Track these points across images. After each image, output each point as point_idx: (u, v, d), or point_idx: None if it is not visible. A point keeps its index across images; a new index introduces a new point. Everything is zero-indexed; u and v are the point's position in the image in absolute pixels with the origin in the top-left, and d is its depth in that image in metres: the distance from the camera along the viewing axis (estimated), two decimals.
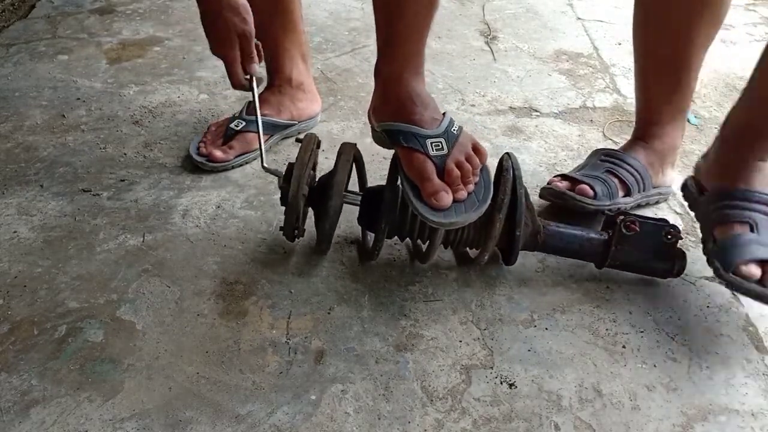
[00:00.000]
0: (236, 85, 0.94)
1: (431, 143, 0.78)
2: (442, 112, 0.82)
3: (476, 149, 0.80)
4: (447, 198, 0.76)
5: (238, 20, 0.89)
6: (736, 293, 0.76)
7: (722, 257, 0.76)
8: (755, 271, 0.74)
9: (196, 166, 1.05)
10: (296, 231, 0.83)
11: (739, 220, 0.78)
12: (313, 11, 1.62)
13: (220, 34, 0.90)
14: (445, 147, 0.78)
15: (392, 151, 0.84)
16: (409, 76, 0.81)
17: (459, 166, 0.78)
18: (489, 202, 0.78)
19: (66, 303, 0.81)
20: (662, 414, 0.71)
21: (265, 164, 0.89)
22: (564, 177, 0.98)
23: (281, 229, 0.84)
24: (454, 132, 0.80)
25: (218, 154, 1.04)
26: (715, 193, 0.83)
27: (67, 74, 1.31)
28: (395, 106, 0.81)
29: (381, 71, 0.83)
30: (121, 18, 1.55)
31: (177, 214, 0.96)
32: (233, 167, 1.06)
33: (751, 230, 0.77)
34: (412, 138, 0.79)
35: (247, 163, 1.07)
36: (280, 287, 0.85)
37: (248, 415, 0.69)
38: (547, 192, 0.97)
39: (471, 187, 0.78)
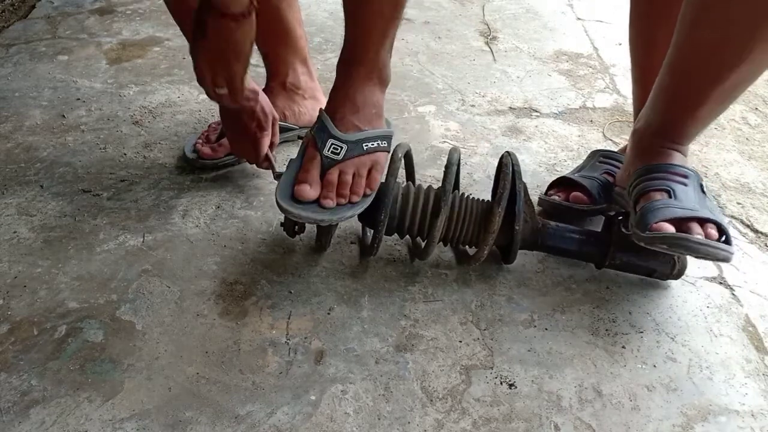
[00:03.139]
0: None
1: (331, 143, 0.79)
2: (387, 129, 0.83)
3: (370, 175, 0.80)
4: (308, 193, 0.77)
5: (266, 106, 0.92)
6: (651, 247, 0.74)
7: (640, 221, 0.76)
8: (668, 227, 0.73)
9: (194, 165, 1.05)
10: (297, 226, 0.83)
11: (658, 189, 0.78)
12: (313, 11, 1.62)
13: (246, 121, 0.91)
14: (342, 154, 0.78)
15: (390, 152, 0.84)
16: (359, 78, 0.81)
17: (341, 176, 0.78)
18: (352, 212, 0.78)
19: (66, 303, 0.81)
20: (662, 414, 0.71)
21: (276, 170, 0.91)
22: (560, 182, 0.98)
23: (282, 224, 0.84)
24: (364, 148, 0.80)
25: (206, 150, 1.04)
26: (636, 174, 0.82)
27: (67, 74, 1.31)
28: (330, 100, 0.83)
29: (337, 65, 0.84)
30: (121, 18, 1.55)
31: (177, 214, 0.96)
32: (225, 165, 1.06)
33: (670, 197, 0.77)
34: (320, 131, 0.80)
35: (239, 162, 1.07)
36: (280, 287, 0.85)
37: (248, 415, 0.69)
38: (543, 204, 0.98)
39: (342, 201, 0.78)
